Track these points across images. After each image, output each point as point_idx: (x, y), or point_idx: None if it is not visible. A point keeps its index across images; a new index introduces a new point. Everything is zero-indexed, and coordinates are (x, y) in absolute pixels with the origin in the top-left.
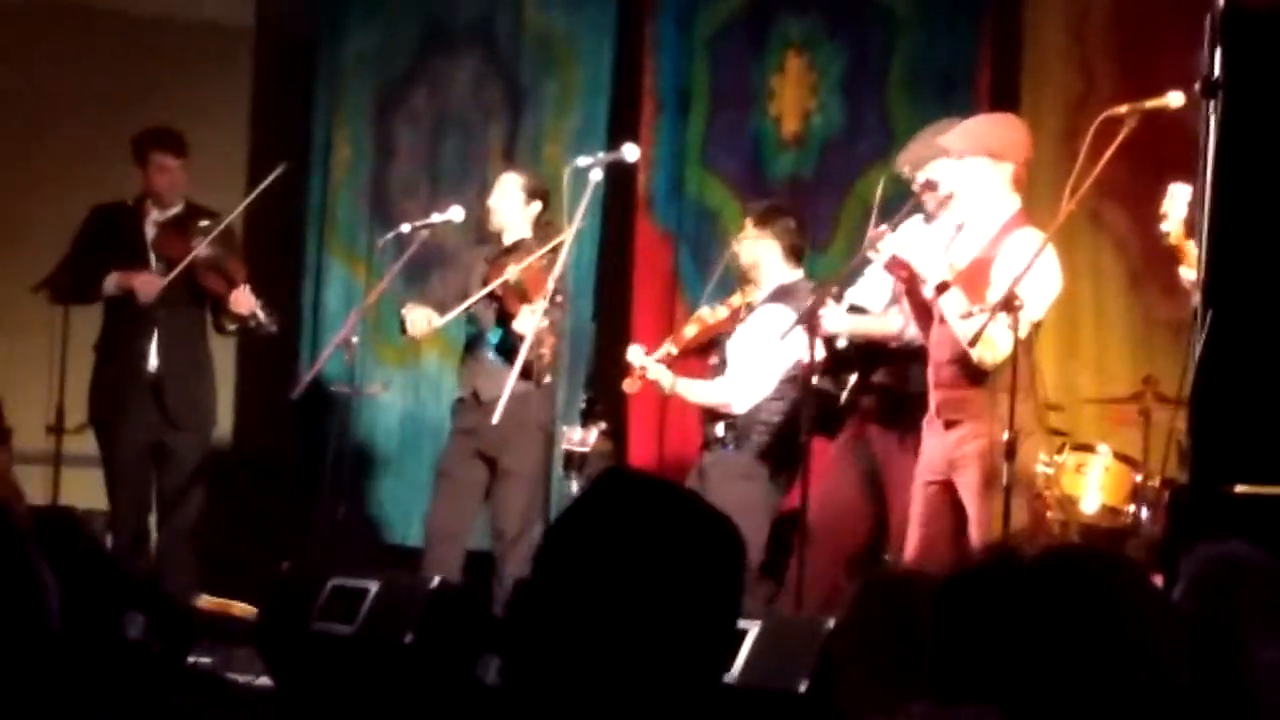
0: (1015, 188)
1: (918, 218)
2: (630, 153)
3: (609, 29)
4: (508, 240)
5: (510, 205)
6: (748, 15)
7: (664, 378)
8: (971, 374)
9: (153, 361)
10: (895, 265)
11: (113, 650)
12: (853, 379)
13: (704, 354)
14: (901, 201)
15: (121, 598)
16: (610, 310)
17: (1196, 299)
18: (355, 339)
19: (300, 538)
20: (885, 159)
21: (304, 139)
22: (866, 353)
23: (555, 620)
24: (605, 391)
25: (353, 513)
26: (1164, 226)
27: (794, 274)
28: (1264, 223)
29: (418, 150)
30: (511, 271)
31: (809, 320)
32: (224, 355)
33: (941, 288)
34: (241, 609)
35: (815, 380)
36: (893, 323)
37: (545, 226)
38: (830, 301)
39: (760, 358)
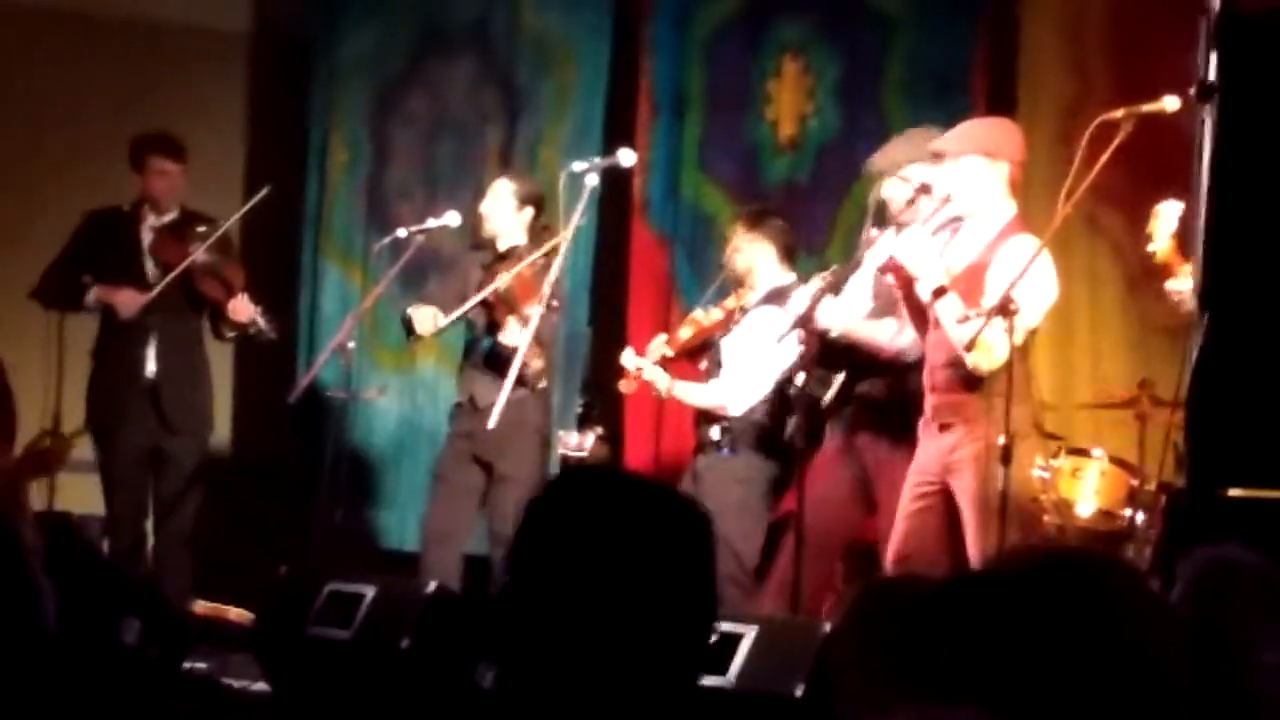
0: (1011, 191)
1: (915, 221)
2: (626, 157)
3: (605, 32)
4: (502, 247)
5: (503, 212)
6: (743, 19)
7: (660, 379)
8: (967, 378)
9: (150, 367)
10: (891, 268)
11: (109, 655)
12: (838, 381)
13: (695, 358)
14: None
15: (118, 603)
16: (606, 315)
17: (1192, 304)
18: (351, 344)
19: (297, 542)
20: None
21: (300, 143)
22: (854, 361)
23: (530, 623)
24: (601, 396)
25: (350, 517)
26: (1150, 247)
27: (787, 276)
28: (1260, 227)
29: (414, 153)
30: (503, 279)
31: (805, 324)
32: (222, 360)
33: (938, 292)
34: (238, 614)
35: (800, 382)
36: (884, 331)
37: (541, 232)
38: (828, 295)
39: (755, 360)
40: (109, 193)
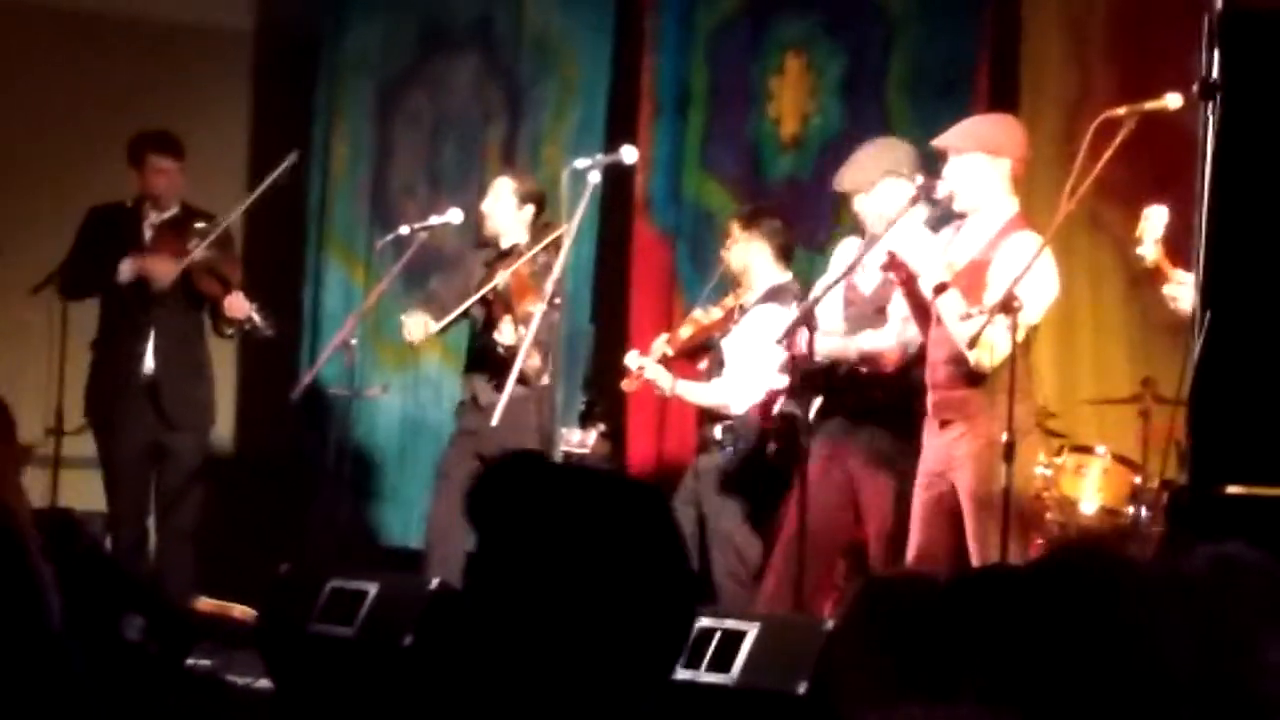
0: (1013, 188)
1: (918, 219)
2: (628, 154)
3: (607, 29)
4: (503, 245)
5: (503, 210)
6: (746, 16)
7: (663, 378)
8: (968, 375)
9: (148, 363)
10: (893, 265)
11: (112, 652)
12: (818, 401)
13: (695, 357)
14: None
15: (120, 600)
16: (608, 312)
17: (1194, 301)
18: (354, 341)
19: (300, 540)
20: None
21: (304, 141)
22: (833, 374)
23: (494, 622)
24: (604, 393)
25: (352, 515)
26: (1139, 250)
27: (784, 275)
28: (1262, 224)
29: (417, 151)
30: (501, 278)
31: (805, 323)
32: (225, 357)
33: (939, 289)
34: (241, 611)
35: (780, 404)
36: (865, 342)
37: (542, 230)
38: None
39: (756, 358)
40: (112, 190)
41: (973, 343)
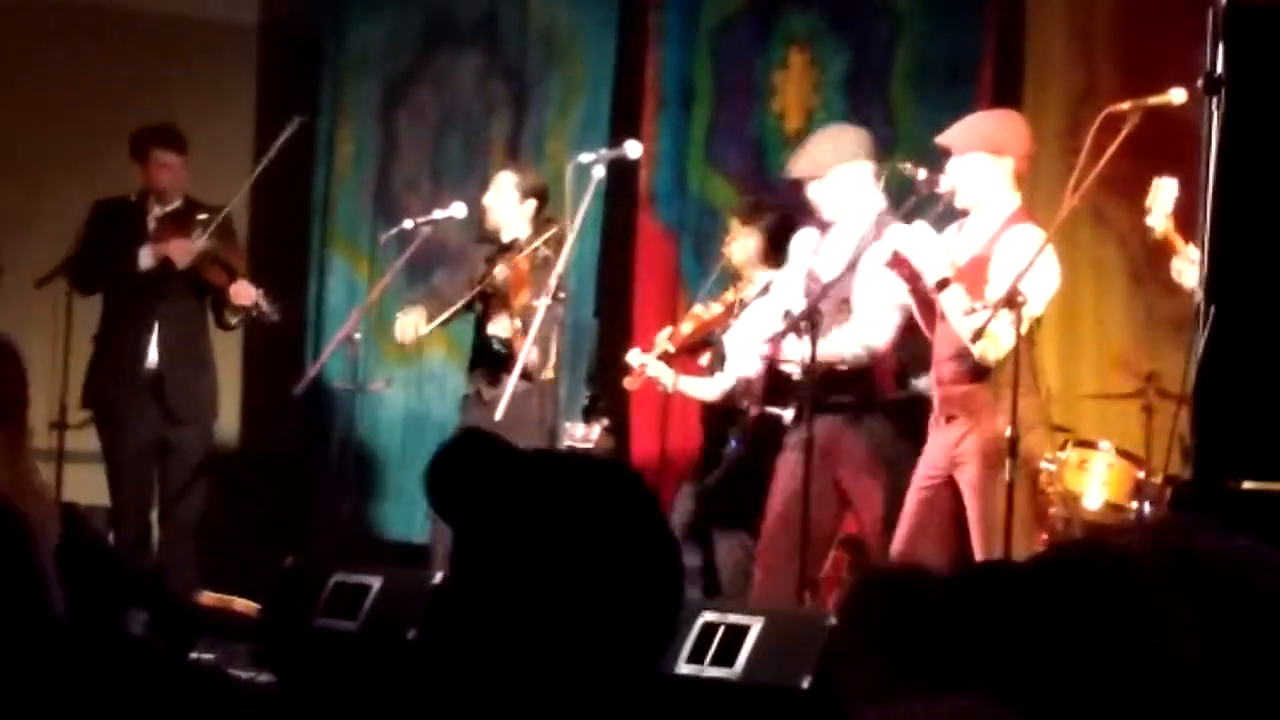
0: (1016, 184)
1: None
2: (633, 149)
3: (612, 24)
4: (504, 239)
5: (505, 204)
6: (750, 11)
7: (664, 375)
8: (973, 370)
9: (152, 357)
10: (896, 262)
11: (115, 646)
12: (793, 406)
13: (696, 354)
14: (904, 197)
15: (124, 594)
16: (612, 307)
17: (1199, 295)
18: (358, 335)
19: (303, 534)
20: (888, 155)
21: (308, 135)
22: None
23: (472, 612)
24: (607, 388)
25: (356, 509)
26: (1149, 220)
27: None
28: (1266, 219)
29: (421, 146)
30: (499, 272)
31: (808, 318)
32: (230, 351)
33: (942, 284)
34: (244, 605)
35: (754, 412)
36: (843, 346)
37: (545, 224)
38: (791, 334)
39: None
40: (117, 184)
41: (977, 337)
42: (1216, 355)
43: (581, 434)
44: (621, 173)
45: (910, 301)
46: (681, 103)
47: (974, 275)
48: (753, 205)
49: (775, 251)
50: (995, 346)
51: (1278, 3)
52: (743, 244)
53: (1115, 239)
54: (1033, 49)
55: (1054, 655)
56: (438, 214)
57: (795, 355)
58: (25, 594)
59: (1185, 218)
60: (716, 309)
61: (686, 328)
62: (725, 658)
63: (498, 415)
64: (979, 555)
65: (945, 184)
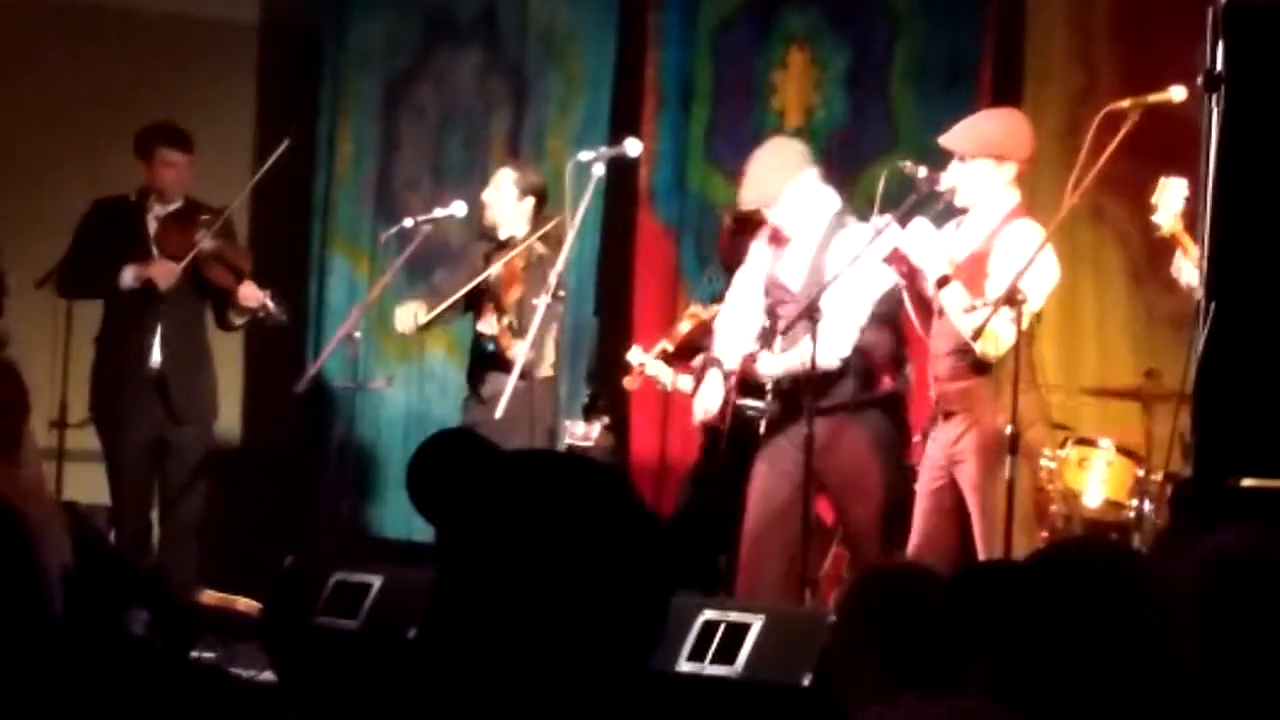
0: (1016, 184)
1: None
2: (632, 147)
3: (612, 22)
4: (501, 236)
5: (504, 201)
6: (750, 9)
7: (663, 375)
8: (970, 366)
9: (156, 356)
10: (896, 259)
11: (116, 645)
12: (769, 404)
13: (690, 355)
14: (904, 196)
15: (125, 593)
16: (612, 305)
17: (1199, 292)
18: (358, 334)
19: (304, 532)
20: (888, 153)
21: (309, 134)
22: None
23: (458, 611)
24: (607, 386)
25: (356, 507)
26: (1155, 218)
27: None
28: (1266, 217)
29: (422, 144)
30: (493, 269)
31: (807, 315)
32: (233, 350)
33: (942, 282)
34: (245, 604)
35: (736, 400)
36: (813, 354)
37: (543, 223)
38: (763, 351)
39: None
40: (117, 184)
41: (978, 334)
42: (1217, 353)
43: (582, 432)
44: (621, 171)
45: (888, 299)
46: (681, 101)
47: (973, 271)
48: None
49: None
50: (996, 345)
51: (1277, 1)
52: (735, 243)
53: (1115, 237)
54: (1033, 47)
55: (1054, 654)
56: (438, 212)
57: (769, 370)
58: (25, 594)
59: (1186, 216)
60: (715, 309)
61: (684, 327)
62: (726, 655)
63: (497, 414)
64: (981, 553)
65: (945, 183)
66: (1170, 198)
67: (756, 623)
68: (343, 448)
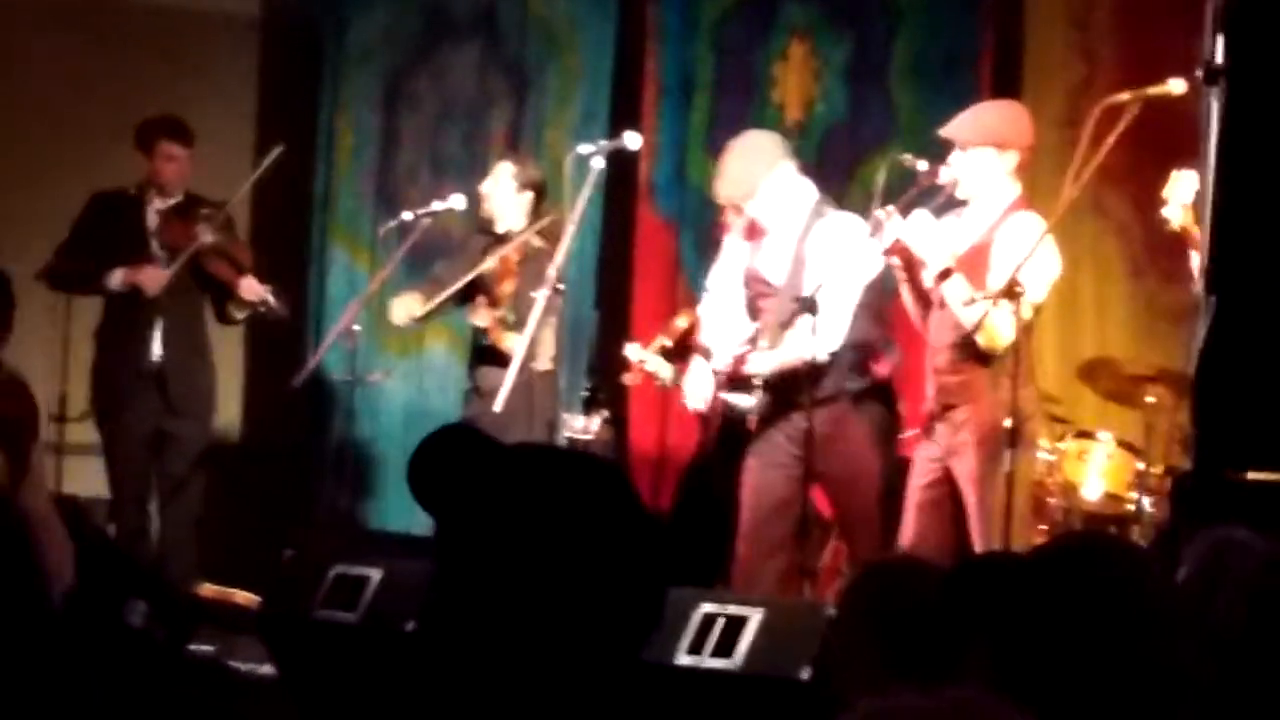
0: (1017, 175)
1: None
2: (632, 140)
3: (611, 15)
4: (499, 229)
5: (502, 194)
6: (751, 2)
7: (662, 370)
8: (972, 358)
9: (155, 350)
10: (896, 251)
11: (115, 638)
12: (759, 398)
13: (687, 354)
14: (904, 189)
15: (124, 586)
16: (612, 298)
17: (1199, 284)
18: (357, 327)
19: (303, 526)
20: (888, 145)
21: (309, 127)
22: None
23: (455, 603)
24: (607, 380)
25: (355, 501)
26: (1165, 212)
27: None
28: (1267, 209)
29: (421, 137)
30: (489, 262)
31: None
32: (233, 344)
33: (944, 274)
34: (244, 597)
35: (722, 396)
36: (804, 349)
37: (541, 216)
38: (751, 350)
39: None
40: (118, 177)
41: (978, 327)
42: (1217, 345)
43: (581, 426)
44: (621, 164)
45: (870, 286)
46: (681, 93)
47: (974, 264)
48: None
49: None
50: (996, 337)
51: None
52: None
53: (1115, 230)
54: (1032, 40)
55: (1055, 647)
56: (437, 205)
57: (761, 368)
58: (25, 593)
59: (1196, 201)
60: None
61: (682, 322)
62: (725, 648)
63: (497, 407)
64: (978, 546)
65: (946, 175)
66: (1181, 191)
67: (755, 616)
68: (342, 441)
